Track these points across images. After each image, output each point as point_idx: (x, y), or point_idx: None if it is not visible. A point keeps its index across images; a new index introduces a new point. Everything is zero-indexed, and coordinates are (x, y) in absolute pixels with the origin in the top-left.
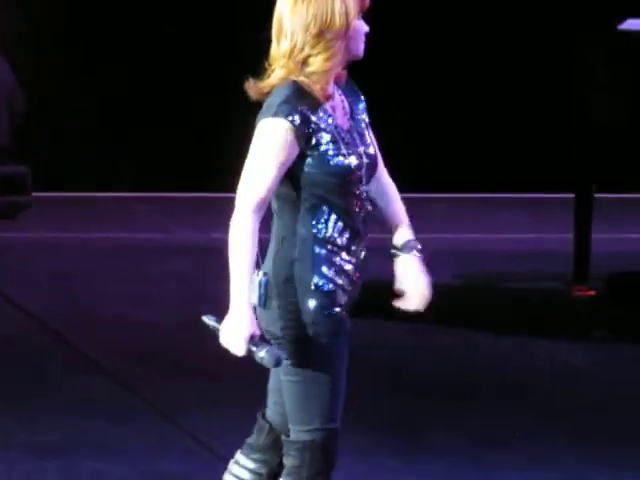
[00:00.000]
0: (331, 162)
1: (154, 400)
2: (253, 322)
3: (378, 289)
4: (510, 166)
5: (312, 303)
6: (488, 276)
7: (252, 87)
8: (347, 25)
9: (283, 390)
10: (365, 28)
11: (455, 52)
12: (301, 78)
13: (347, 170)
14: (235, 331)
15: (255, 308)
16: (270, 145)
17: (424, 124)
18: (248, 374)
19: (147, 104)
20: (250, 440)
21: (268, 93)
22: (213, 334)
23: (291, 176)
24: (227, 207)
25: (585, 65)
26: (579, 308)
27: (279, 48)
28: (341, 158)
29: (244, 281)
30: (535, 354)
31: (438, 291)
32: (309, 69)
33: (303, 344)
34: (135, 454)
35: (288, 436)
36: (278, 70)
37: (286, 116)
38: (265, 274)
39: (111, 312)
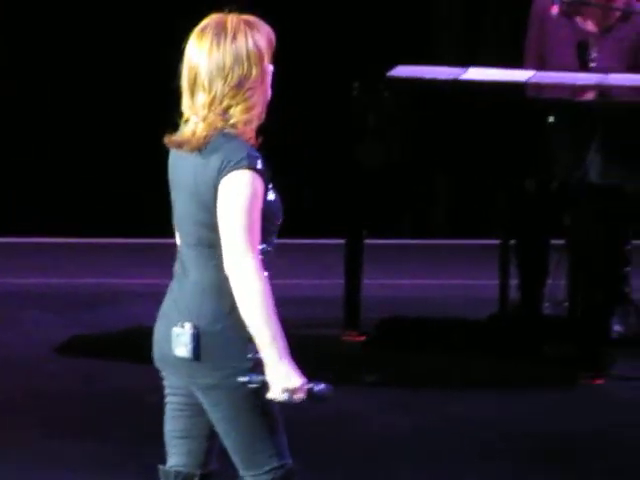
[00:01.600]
0: (276, 207)
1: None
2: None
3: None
4: None
5: (250, 349)
6: None
7: (170, 140)
8: (263, 72)
9: (226, 439)
10: (271, 68)
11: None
12: (227, 129)
13: (280, 215)
14: (291, 381)
15: (177, 360)
16: (252, 196)
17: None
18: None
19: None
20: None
21: (193, 148)
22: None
23: None
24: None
25: (357, 112)
26: (349, 354)
27: (194, 101)
28: (279, 203)
29: (279, 332)
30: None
31: None
32: (231, 121)
33: (243, 390)
34: None
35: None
36: (200, 123)
37: (256, 166)
38: (196, 326)
39: None
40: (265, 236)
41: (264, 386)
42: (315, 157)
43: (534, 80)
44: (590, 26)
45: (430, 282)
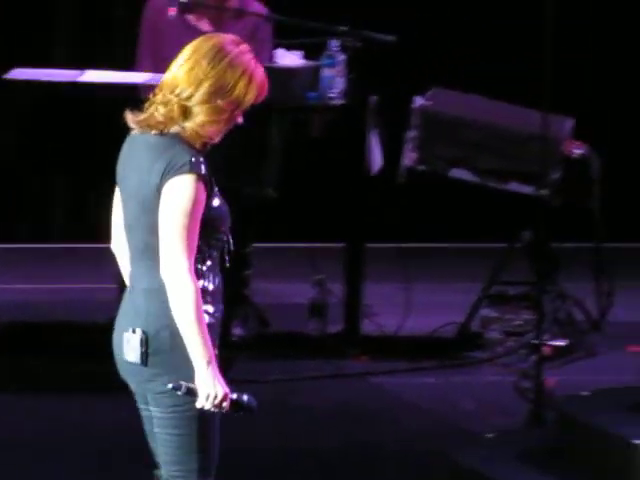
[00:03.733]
0: (219, 210)
1: None
2: None
3: None
4: None
5: None
6: None
7: (131, 117)
8: (239, 103)
9: (159, 442)
10: (240, 120)
11: None
12: (176, 129)
13: (227, 220)
14: (220, 388)
15: (128, 364)
16: (193, 201)
17: None
18: None
19: None
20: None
21: (147, 127)
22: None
23: None
24: None
25: None
26: None
27: (173, 79)
28: (224, 208)
29: (208, 339)
30: None
31: None
32: (186, 123)
33: (195, 395)
34: None
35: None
36: (161, 107)
37: (199, 171)
38: (144, 332)
39: None
40: (210, 241)
41: (194, 394)
42: None
43: (151, 82)
44: (205, 25)
45: (48, 286)
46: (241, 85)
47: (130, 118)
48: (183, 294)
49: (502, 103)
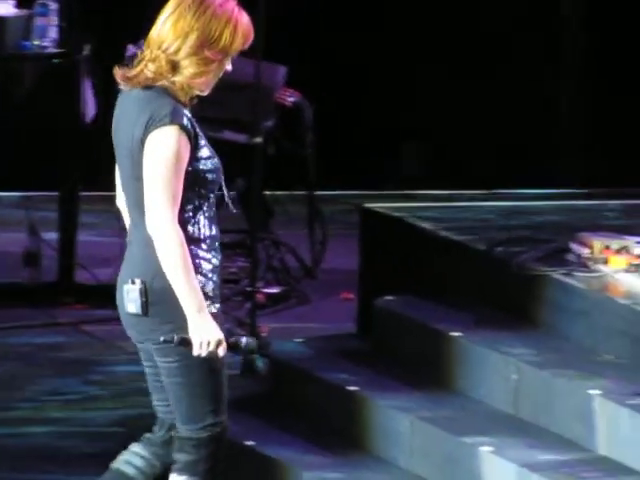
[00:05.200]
0: (210, 162)
1: None
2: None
3: None
4: None
5: None
6: None
7: (120, 74)
8: (226, 52)
9: (169, 392)
10: (229, 67)
11: None
12: (165, 84)
13: (219, 171)
14: (212, 334)
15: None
16: (174, 152)
17: None
18: None
19: None
20: (148, 435)
21: (137, 83)
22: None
23: None
24: None
25: None
26: None
27: (159, 35)
28: (215, 160)
29: (197, 286)
30: None
31: None
32: (176, 77)
33: (190, 345)
34: None
35: (178, 433)
36: (150, 64)
37: (180, 123)
38: (143, 281)
39: None
40: (202, 191)
41: (187, 343)
42: None
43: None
44: None
45: None
46: (227, 34)
47: (119, 74)
48: (167, 244)
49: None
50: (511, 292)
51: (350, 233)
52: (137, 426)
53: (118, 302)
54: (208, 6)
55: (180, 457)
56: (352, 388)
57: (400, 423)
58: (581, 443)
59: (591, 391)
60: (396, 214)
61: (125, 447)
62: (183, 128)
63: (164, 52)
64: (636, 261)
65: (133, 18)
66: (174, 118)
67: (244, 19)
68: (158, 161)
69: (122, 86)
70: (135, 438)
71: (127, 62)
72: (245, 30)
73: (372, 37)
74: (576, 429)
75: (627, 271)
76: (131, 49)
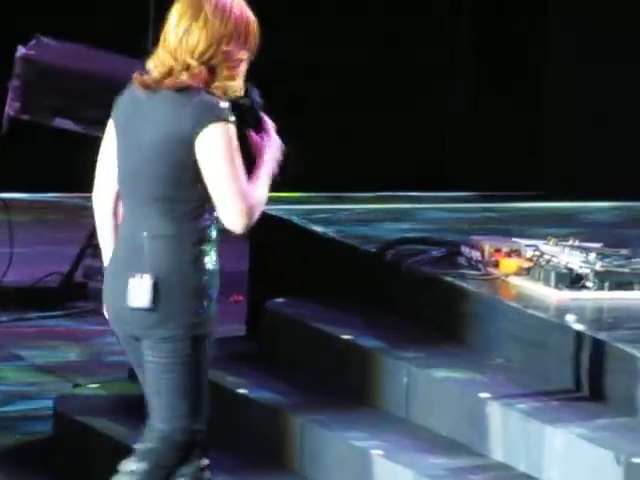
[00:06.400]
0: None
1: None
2: None
3: None
4: None
5: (205, 302)
6: None
7: (140, 80)
8: (251, 52)
9: (154, 390)
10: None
11: None
12: (208, 90)
13: None
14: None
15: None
16: (235, 148)
17: None
18: None
19: None
20: (138, 445)
21: (166, 87)
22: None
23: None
24: None
25: None
26: None
27: (187, 44)
28: None
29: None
30: None
31: None
32: (216, 83)
33: (192, 343)
34: None
35: (155, 428)
36: (184, 72)
37: (232, 120)
38: (154, 275)
39: None
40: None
41: (202, 342)
42: None
43: None
44: None
45: None
46: (250, 33)
47: (138, 80)
48: (255, 217)
49: (105, 52)
50: (402, 295)
51: (239, 236)
52: None
53: (112, 296)
54: (231, 10)
55: (144, 446)
56: (241, 391)
57: (290, 426)
58: (472, 447)
59: (482, 394)
60: (285, 216)
61: None
62: (233, 122)
63: (198, 60)
64: (527, 264)
65: (20, 19)
66: (228, 114)
67: (251, 15)
68: (225, 158)
69: (139, 91)
70: None
71: (16, 62)
72: (256, 26)
73: None
74: (467, 433)
75: (518, 274)
76: (20, 50)
